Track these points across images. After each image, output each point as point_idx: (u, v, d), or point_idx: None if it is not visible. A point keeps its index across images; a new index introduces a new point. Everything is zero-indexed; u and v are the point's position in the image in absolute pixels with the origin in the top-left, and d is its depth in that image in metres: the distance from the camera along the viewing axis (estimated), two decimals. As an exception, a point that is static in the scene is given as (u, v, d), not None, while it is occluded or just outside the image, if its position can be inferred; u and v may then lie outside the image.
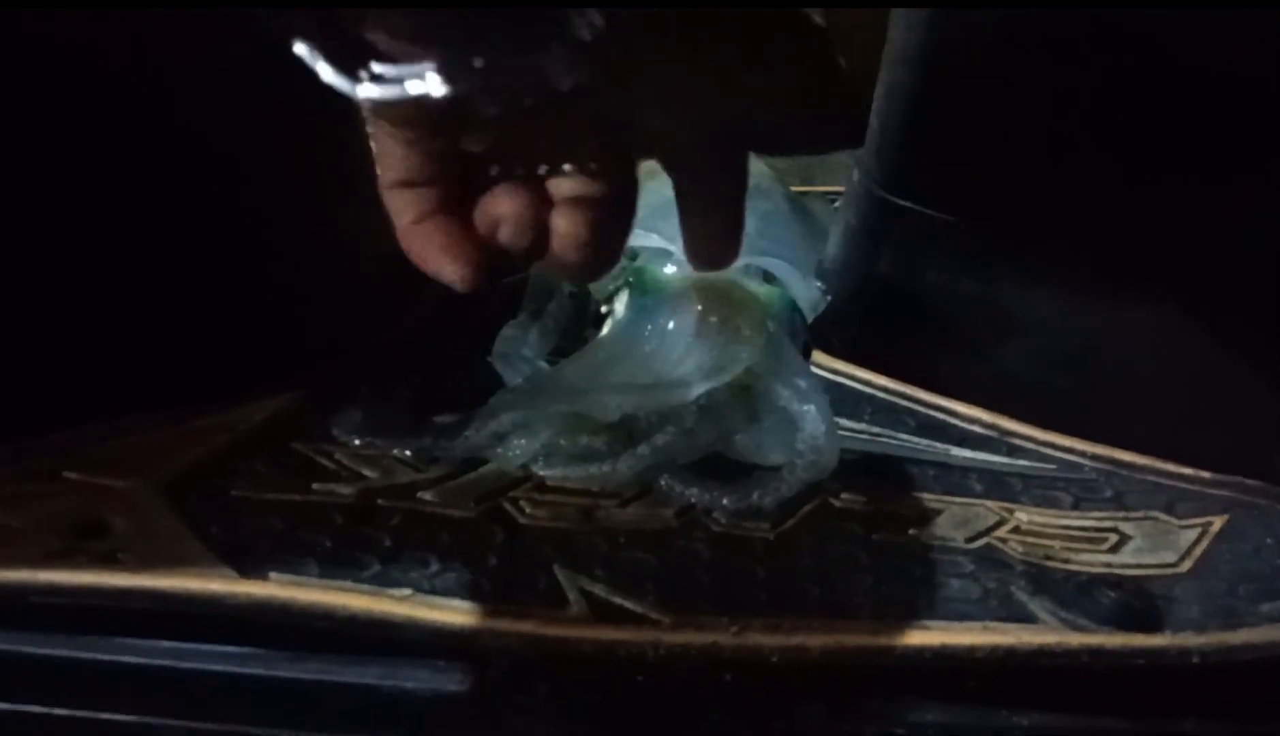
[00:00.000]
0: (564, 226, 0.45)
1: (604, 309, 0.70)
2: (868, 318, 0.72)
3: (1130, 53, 0.60)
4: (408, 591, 0.52)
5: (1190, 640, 0.52)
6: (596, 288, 0.72)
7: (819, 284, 0.73)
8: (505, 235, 0.45)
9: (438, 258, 0.45)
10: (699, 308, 0.66)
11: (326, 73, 0.41)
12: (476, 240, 0.45)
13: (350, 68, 0.41)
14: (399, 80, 0.40)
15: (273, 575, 0.52)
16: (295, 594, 0.51)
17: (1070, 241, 0.64)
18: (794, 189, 0.83)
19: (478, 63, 0.40)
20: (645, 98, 0.44)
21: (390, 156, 0.45)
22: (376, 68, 0.40)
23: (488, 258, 0.45)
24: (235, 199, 0.64)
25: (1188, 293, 0.62)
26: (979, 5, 0.62)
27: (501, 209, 0.45)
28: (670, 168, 0.47)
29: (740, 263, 0.70)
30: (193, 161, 0.62)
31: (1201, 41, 0.58)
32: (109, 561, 0.52)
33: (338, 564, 0.53)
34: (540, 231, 0.45)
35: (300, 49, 0.41)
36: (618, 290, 0.69)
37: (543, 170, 0.45)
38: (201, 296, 0.63)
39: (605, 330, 0.69)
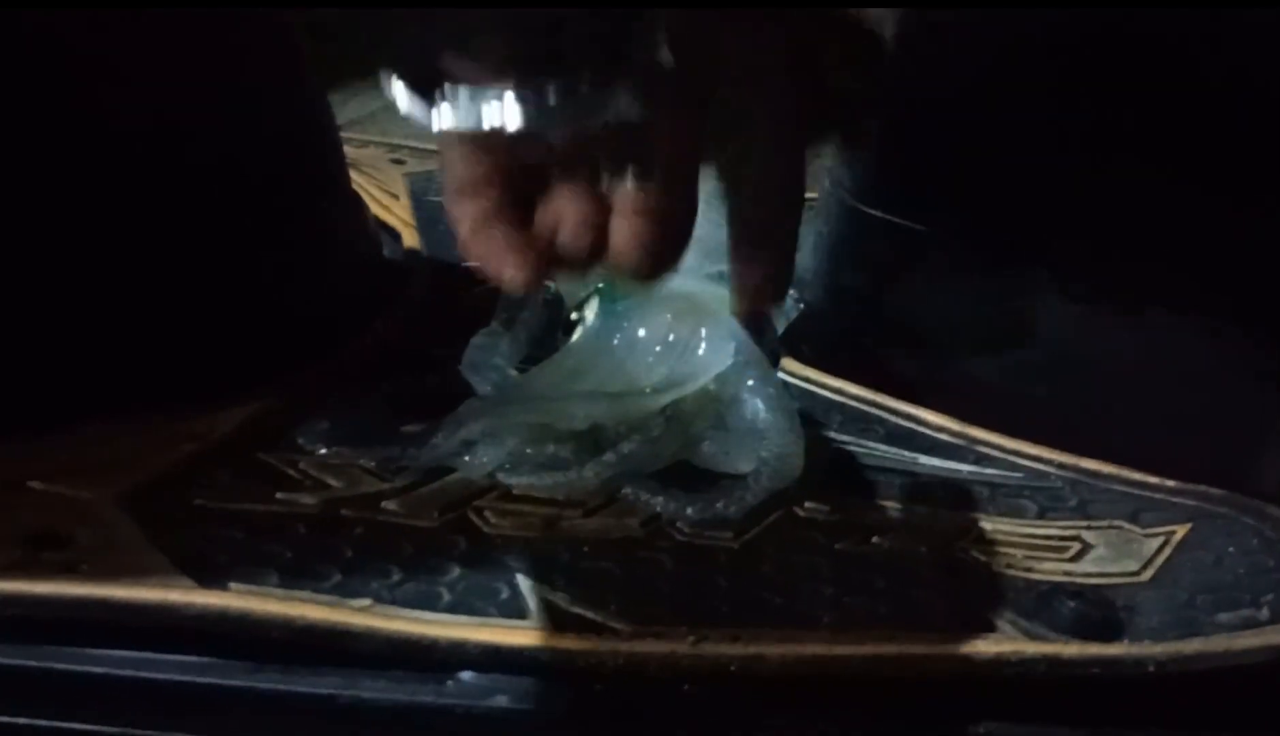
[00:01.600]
0: (622, 231, 0.45)
1: (574, 316, 0.70)
2: (839, 325, 0.72)
3: (1103, 62, 0.60)
4: (367, 601, 0.53)
5: (1147, 649, 0.52)
6: (569, 295, 0.72)
7: (792, 291, 0.73)
8: (564, 239, 0.46)
9: (497, 261, 0.46)
10: (668, 316, 0.66)
11: (404, 102, 0.43)
12: (535, 244, 0.46)
13: (427, 95, 0.42)
14: (474, 111, 0.42)
15: (232, 585, 0.52)
16: (253, 604, 0.51)
17: (1040, 252, 0.64)
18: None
19: (552, 99, 0.41)
20: (713, 116, 0.45)
21: (454, 165, 0.46)
22: (450, 95, 0.42)
23: (546, 261, 0.46)
24: (208, 204, 0.64)
25: (1157, 303, 0.62)
26: (973, 5, 0.62)
27: (561, 213, 0.46)
28: (730, 190, 0.48)
29: (712, 269, 0.70)
30: (164, 163, 0.62)
31: (1173, 47, 0.59)
32: (69, 572, 0.52)
33: (298, 574, 0.54)
34: (599, 235, 0.46)
35: (383, 81, 0.42)
36: (588, 297, 0.69)
37: (604, 177, 0.46)
38: (173, 302, 0.63)
39: (575, 338, 0.69)
